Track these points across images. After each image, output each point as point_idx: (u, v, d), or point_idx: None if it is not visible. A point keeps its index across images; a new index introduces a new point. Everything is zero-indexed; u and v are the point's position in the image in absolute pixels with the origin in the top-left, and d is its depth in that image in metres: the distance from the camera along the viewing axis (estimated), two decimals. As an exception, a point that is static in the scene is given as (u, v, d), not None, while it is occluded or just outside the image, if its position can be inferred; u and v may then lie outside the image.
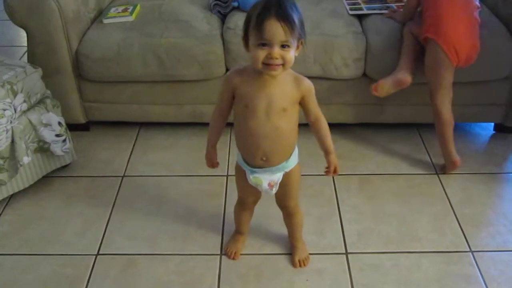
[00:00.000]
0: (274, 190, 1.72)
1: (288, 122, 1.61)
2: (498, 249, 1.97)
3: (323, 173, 1.77)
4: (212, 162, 1.80)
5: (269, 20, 1.39)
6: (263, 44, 1.42)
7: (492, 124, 2.65)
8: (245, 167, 1.69)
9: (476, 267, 1.89)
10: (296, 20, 1.43)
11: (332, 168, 1.72)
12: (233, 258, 1.92)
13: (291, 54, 1.45)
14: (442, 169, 2.35)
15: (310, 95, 1.61)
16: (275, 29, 1.39)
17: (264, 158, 1.64)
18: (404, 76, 2.22)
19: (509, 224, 2.08)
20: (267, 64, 1.44)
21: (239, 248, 1.94)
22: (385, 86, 2.23)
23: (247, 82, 1.56)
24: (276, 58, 1.43)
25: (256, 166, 1.66)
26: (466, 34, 2.15)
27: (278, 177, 1.70)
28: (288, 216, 1.88)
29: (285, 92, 1.56)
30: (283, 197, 1.80)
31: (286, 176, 1.71)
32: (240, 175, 1.76)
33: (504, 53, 2.31)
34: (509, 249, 1.97)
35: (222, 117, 1.70)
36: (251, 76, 1.54)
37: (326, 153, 1.71)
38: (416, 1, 2.30)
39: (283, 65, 1.45)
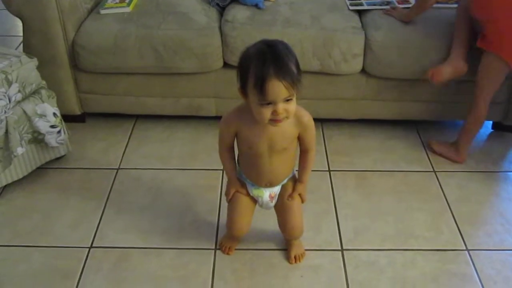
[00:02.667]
0: (274, 201, 1.77)
1: (289, 154, 1.66)
2: (494, 248, 1.96)
3: (320, 170, 1.77)
4: (242, 189, 1.77)
5: (270, 81, 1.35)
6: (267, 103, 1.40)
7: (491, 122, 2.63)
8: (247, 182, 1.74)
9: (472, 265, 1.88)
10: (295, 70, 1.40)
11: (295, 194, 1.75)
12: (227, 253, 1.91)
13: (294, 103, 1.44)
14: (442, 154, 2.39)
15: (308, 130, 1.62)
16: (278, 90, 1.37)
17: (268, 184, 1.72)
18: (461, 64, 2.20)
19: (506, 223, 2.06)
20: (272, 120, 1.44)
21: (233, 244, 1.93)
22: (444, 73, 2.21)
23: (247, 126, 1.56)
24: (281, 114, 1.41)
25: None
26: None
27: (278, 188, 1.76)
28: (292, 241, 1.90)
29: (285, 133, 1.57)
30: (286, 215, 1.81)
31: (284, 187, 1.77)
32: (238, 195, 1.78)
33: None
34: (506, 248, 1.96)
35: (229, 151, 1.72)
36: (251, 119, 1.51)
37: (299, 181, 1.75)
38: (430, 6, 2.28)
39: (286, 116, 1.45)
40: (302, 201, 1.79)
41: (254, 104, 1.43)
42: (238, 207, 1.79)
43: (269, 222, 2.01)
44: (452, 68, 2.20)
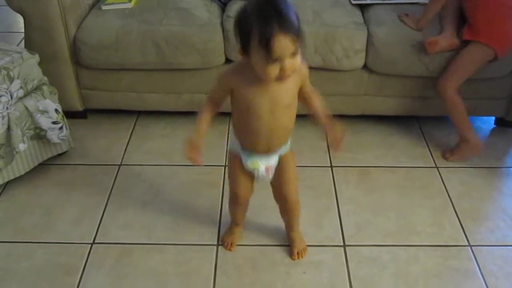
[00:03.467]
0: (271, 175, 1.71)
1: (291, 115, 1.59)
2: (497, 244, 1.96)
3: (322, 165, 1.75)
4: (197, 152, 1.62)
5: (276, 36, 1.29)
6: (274, 60, 1.34)
7: (493, 118, 2.62)
8: (243, 153, 1.66)
9: (474, 261, 1.88)
10: (298, 22, 1.35)
11: (336, 135, 1.63)
12: (229, 249, 1.91)
13: (299, 57, 1.38)
14: (455, 153, 2.36)
15: (307, 77, 1.57)
16: (285, 45, 1.31)
17: (266, 149, 1.62)
18: (454, 38, 2.23)
19: (508, 219, 2.06)
20: (279, 77, 1.38)
21: (235, 239, 1.93)
22: (439, 45, 2.22)
23: (247, 84, 1.48)
24: (289, 69, 1.36)
25: (256, 154, 1.64)
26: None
27: (275, 160, 1.68)
28: (288, 211, 1.84)
29: (288, 89, 1.50)
30: (283, 186, 1.75)
31: (283, 159, 1.69)
32: (234, 163, 1.71)
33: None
34: (508, 244, 1.96)
35: (213, 110, 1.63)
36: (253, 77, 1.44)
37: (326, 123, 1.64)
38: (439, 8, 2.27)
39: (293, 71, 1.39)
40: (340, 139, 1.64)
41: (259, 63, 1.36)
42: (238, 180, 1.73)
43: (272, 217, 2.01)
44: (447, 42, 2.23)
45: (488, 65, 2.25)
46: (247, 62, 1.43)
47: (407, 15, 2.38)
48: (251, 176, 1.72)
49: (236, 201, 1.83)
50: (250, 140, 1.61)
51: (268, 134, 1.58)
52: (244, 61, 1.43)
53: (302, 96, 1.61)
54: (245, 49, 1.39)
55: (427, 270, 1.85)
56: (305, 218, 2.01)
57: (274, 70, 1.35)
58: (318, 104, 1.64)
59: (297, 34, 1.33)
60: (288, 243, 1.93)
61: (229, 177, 1.79)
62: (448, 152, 2.37)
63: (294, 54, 1.35)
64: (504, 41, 2.19)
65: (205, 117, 1.63)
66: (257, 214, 2.05)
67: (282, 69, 1.35)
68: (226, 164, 2.31)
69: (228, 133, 2.51)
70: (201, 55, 2.33)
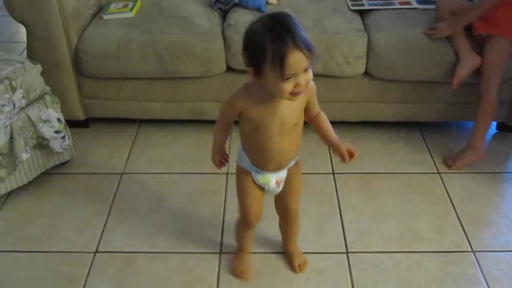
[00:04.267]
0: (281, 187, 1.70)
1: (299, 131, 1.59)
2: (500, 249, 1.95)
3: (324, 172, 1.75)
4: (220, 160, 1.71)
5: (291, 54, 1.30)
6: (288, 77, 1.34)
7: (495, 123, 2.62)
8: (253, 170, 1.64)
9: (478, 267, 1.88)
10: (308, 38, 1.35)
11: (345, 153, 1.62)
12: (243, 278, 1.85)
13: (311, 72, 1.38)
14: (457, 160, 2.35)
15: (314, 95, 1.56)
16: (299, 61, 1.31)
17: (277, 166, 1.63)
18: (475, 58, 2.23)
19: (511, 224, 2.06)
20: (293, 93, 1.38)
21: (248, 267, 1.87)
22: (464, 75, 2.24)
23: (256, 105, 1.47)
24: (303, 85, 1.36)
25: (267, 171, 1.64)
26: None
27: (284, 173, 1.68)
28: (288, 221, 1.83)
29: (293, 106, 1.50)
30: (287, 196, 1.73)
31: (290, 171, 1.69)
32: (246, 179, 1.67)
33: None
34: (511, 249, 1.95)
35: (226, 131, 1.65)
36: (261, 98, 1.45)
37: (334, 142, 1.64)
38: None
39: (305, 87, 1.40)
40: (353, 155, 1.63)
41: (274, 81, 1.35)
42: (250, 195, 1.69)
43: (274, 225, 2.01)
44: (469, 67, 2.23)
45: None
46: (254, 83, 1.43)
47: (434, 28, 2.30)
48: (262, 190, 1.70)
49: (248, 224, 1.77)
50: (261, 159, 1.61)
51: (278, 153, 1.58)
52: (252, 81, 1.43)
53: (309, 115, 1.61)
54: (257, 69, 1.37)
55: (430, 276, 1.84)
56: (307, 225, 2.02)
57: (289, 86, 1.35)
58: (328, 126, 1.64)
59: (310, 48, 1.33)
60: (287, 257, 1.92)
61: (239, 198, 1.72)
62: (450, 160, 2.36)
63: (307, 69, 1.36)
64: None
65: (221, 135, 1.66)
66: (260, 222, 2.05)
67: (297, 85, 1.35)
68: (228, 172, 2.32)
69: (230, 141, 2.51)
70: (202, 63, 2.34)
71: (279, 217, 1.85)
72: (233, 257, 1.90)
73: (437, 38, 2.28)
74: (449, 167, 2.35)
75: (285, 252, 1.93)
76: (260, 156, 1.60)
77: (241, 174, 1.68)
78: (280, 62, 1.30)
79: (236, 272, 1.86)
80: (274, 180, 1.66)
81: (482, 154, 2.33)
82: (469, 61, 2.23)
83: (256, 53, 1.35)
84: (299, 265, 1.88)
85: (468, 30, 2.30)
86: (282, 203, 1.77)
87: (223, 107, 1.59)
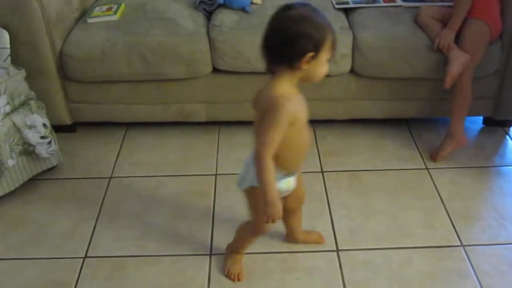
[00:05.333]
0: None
1: None
2: (489, 243, 1.96)
3: (313, 171, 1.74)
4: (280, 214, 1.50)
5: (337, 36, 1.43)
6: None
7: (481, 117, 2.64)
8: (279, 178, 1.58)
9: (468, 261, 1.89)
10: None
11: None
12: (238, 280, 1.83)
13: None
14: (442, 149, 2.35)
15: None
16: None
17: (303, 162, 1.64)
18: (464, 55, 2.22)
19: (499, 217, 2.07)
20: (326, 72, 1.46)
21: (242, 268, 1.86)
22: (456, 75, 2.23)
23: (298, 104, 1.46)
24: None
25: (294, 172, 1.62)
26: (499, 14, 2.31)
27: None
28: (298, 209, 1.84)
29: None
30: (298, 186, 1.71)
31: None
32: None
33: (493, 49, 2.30)
34: (501, 242, 1.96)
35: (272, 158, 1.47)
36: (295, 95, 1.46)
37: None
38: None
39: None
40: None
41: (321, 65, 1.42)
42: None
43: (264, 225, 2.01)
44: (460, 64, 2.22)
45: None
46: (282, 83, 1.43)
47: (439, 35, 2.29)
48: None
49: (264, 233, 1.75)
50: (297, 160, 1.59)
51: (309, 145, 1.60)
52: (276, 85, 1.44)
53: None
54: (315, 54, 1.38)
55: (421, 271, 1.85)
56: (297, 224, 2.02)
57: (327, 66, 1.44)
58: None
59: None
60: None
61: (259, 214, 1.56)
62: (434, 153, 2.38)
63: None
64: (497, 22, 2.27)
65: (273, 177, 1.47)
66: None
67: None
68: (217, 173, 2.31)
69: (218, 142, 2.51)
70: (188, 65, 2.33)
71: (286, 212, 1.78)
72: (229, 259, 1.87)
73: (447, 46, 2.25)
74: (434, 160, 2.36)
75: (295, 241, 1.95)
76: (297, 158, 1.59)
77: (255, 194, 1.58)
78: (333, 44, 1.40)
79: (230, 275, 1.84)
80: (293, 180, 1.64)
81: (463, 141, 2.34)
82: (459, 58, 2.22)
83: (319, 39, 1.37)
84: (320, 237, 1.93)
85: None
86: (295, 193, 1.72)
87: (274, 126, 1.41)
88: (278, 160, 1.49)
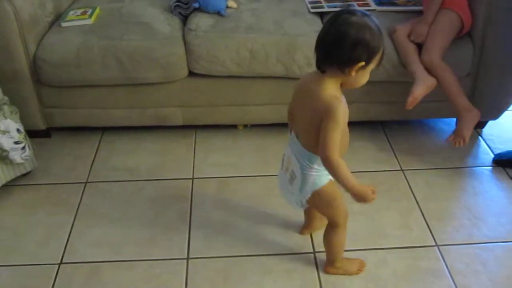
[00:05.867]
0: None
1: None
2: (463, 243, 1.99)
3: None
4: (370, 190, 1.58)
5: None
6: None
7: (455, 119, 2.67)
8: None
9: (442, 261, 1.91)
10: None
11: None
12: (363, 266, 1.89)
13: None
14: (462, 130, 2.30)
15: None
16: None
17: None
18: (431, 79, 2.25)
19: (473, 217, 2.10)
20: None
21: (354, 260, 1.89)
22: (420, 97, 2.26)
23: (345, 104, 1.52)
24: None
25: None
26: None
27: None
28: None
29: None
30: None
31: None
32: (335, 189, 1.68)
33: (465, 52, 2.34)
34: (474, 242, 2.00)
35: None
36: (341, 96, 1.52)
37: None
38: None
39: None
40: None
41: (367, 72, 1.48)
42: (341, 197, 1.71)
43: (241, 228, 2.02)
44: (425, 87, 2.25)
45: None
46: (333, 88, 1.49)
47: (414, 34, 2.34)
48: None
49: (347, 215, 1.77)
50: (342, 154, 1.62)
51: (348, 140, 1.67)
52: (335, 83, 1.49)
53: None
54: (367, 63, 1.44)
55: (396, 272, 1.87)
56: (274, 227, 2.03)
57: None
58: None
59: None
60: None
61: (338, 209, 1.71)
62: (452, 135, 2.33)
63: None
64: (467, 14, 2.31)
65: (345, 167, 1.54)
66: (227, 224, 2.05)
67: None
68: (194, 177, 2.31)
69: (194, 146, 2.51)
70: (164, 68, 2.33)
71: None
72: (340, 269, 1.85)
73: (422, 40, 2.30)
74: (455, 143, 2.31)
75: (312, 229, 2.01)
76: (342, 152, 1.62)
77: (331, 187, 1.67)
78: (382, 57, 1.47)
79: (358, 271, 1.87)
80: None
81: (476, 110, 2.29)
82: (425, 81, 2.24)
83: (374, 51, 1.43)
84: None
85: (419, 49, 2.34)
86: None
87: (335, 127, 1.48)
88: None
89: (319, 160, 1.56)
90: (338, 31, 1.41)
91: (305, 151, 1.59)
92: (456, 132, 2.31)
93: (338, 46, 1.41)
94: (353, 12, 1.43)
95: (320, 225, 1.98)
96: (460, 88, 2.29)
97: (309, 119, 1.54)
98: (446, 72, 2.27)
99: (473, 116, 2.30)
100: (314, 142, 1.53)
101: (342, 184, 1.54)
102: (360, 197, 1.55)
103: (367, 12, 1.47)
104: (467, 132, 2.29)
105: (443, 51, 2.28)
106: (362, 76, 1.48)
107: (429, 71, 2.27)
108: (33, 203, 2.19)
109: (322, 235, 1.99)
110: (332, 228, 1.77)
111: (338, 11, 1.46)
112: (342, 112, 1.47)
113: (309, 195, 1.66)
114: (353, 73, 1.45)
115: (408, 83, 2.37)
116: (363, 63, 1.43)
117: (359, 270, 1.87)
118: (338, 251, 1.83)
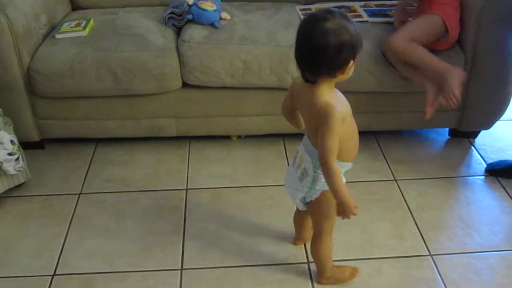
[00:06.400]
0: None
1: None
2: (456, 252, 2.00)
3: (280, 184, 1.75)
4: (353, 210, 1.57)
5: None
6: None
7: (447, 129, 2.70)
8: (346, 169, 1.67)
9: (436, 270, 1.91)
10: None
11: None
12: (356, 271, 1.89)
13: None
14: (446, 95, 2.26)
15: None
16: None
17: None
18: (459, 70, 2.24)
19: (466, 227, 2.11)
20: None
21: (345, 267, 1.90)
22: (434, 109, 2.28)
23: (339, 103, 1.52)
24: None
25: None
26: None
27: None
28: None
29: None
30: None
31: None
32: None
33: (456, 62, 2.36)
34: (467, 251, 2.00)
35: None
36: (335, 94, 1.54)
37: None
38: None
39: None
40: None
41: (352, 66, 1.46)
42: None
43: (235, 238, 2.02)
44: (436, 101, 2.26)
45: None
46: (328, 90, 1.50)
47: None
48: None
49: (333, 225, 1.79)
50: (356, 146, 1.66)
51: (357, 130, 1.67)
52: (324, 93, 1.49)
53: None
54: (354, 60, 1.45)
55: (390, 282, 1.87)
56: (268, 238, 2.03)
57: None
58: None
59: None
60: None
61: (332, 215, 1.67)
62: (429, 105, 2.31)
63: None
64: (454, 25, 2.32)
65: (339, 175, 1.54)
66: (221, 235, 2.05)
67: None
68: (188, 188, 2.31)
69: (188, 157, 2.51)
70: (157, 80, 2.33)
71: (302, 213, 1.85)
72: (331, 279, 1.86)
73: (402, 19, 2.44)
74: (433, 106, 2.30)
75: (304, 241, 2.01)
76: (356, 145, 1.66)
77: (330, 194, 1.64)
78: (361, 46, 1.45)
79: (348, 278, 1.87)
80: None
81: (455, 68, 2.25)
82: (433, 92, 2.26)
83: (357, 46, 1.43)
84: None
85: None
86: None
87: (332, 131, 1.47)
88: (345, 154, 1.60)
89: None
90: (319, 44, 1.39)
91: (315, 150, 1.58)
92: (447, 92, 2.23)
93: (325, 58, 1.41)
94: (323, 18, 1.40)
95: (311, 235, 1.99)
96: (432, 55, 2.27)
97: (311, 121, 1.57)
98: (413, 49, 2.25)
99: (458, 73, 2.25)
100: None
101: (334, 192, 1.53)
102: (345, 209, 1.54)
103: (333, 9, 1.45)
104: (456, 89, 2.23)
105: (410, 41, 2.25)
106: (350, 70, 1.47)
107: (395, 54, 2.27)
108: (26, 215, 2.19)
109: (316, 245, 2.01)
110: (317, 237, 1.77)
111: (306, 19, 1.45)
112: (337, 117, 1.46)
113: (317, 194, 1.66)
114: (344, 73, 1.46)
115: (401, 94, 2.40)
116: (351, 62, 1.44)
117: (351, 276, 1.87)
118: (326, 261, 1.83)
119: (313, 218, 1.79)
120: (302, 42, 1.44)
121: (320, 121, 1.47)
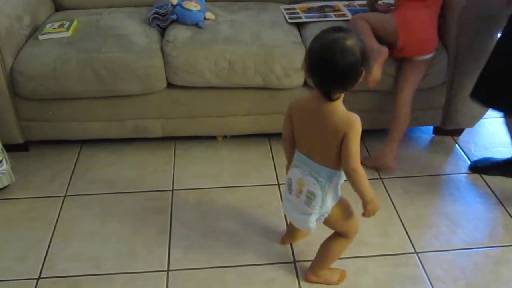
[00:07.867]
0: None
1: None
2: (441, 249, 2.01)
3: (269, 184, 1.76)
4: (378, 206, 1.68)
5: None
6: None
7: (432, 127, 2.72)
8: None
9: (421, 267, 1.93)
10: None
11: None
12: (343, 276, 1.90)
13: None
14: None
15: None
16: None
17: None
18: (382, 49, 2.24)
19: (451, 224, 2.13)
20: None
21: (337, 270, 1.91)
22: (377, 71, 2.25)
23: None
24: None
25: None
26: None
27: None
28: None
29: None
30: None
31: None
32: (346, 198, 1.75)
33: (439, 61, 2.38)
34: (452, 248, 2.02)
35: None
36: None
37: None
38: None
39: None
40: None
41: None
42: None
43: (221, 238, 2.02)
44: (380, 61, 2.24)
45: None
46: (341, 99, 1.55)
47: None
48: None
49: (357, 231, 1.82)
50: None
51: None
52: (341, 101, 1.55)
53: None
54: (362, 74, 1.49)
55: (376, 280, 1.88)
56: (255, 237, 2.03)
57: None
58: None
59: None
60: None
61: (351, 218, 1.76)
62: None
63: None
64: (409, 33, 2.27)
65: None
66: (207, 236, 2.05)
67: None
68: (173, 188, 2.31)
69: (174, 158, 2.50)
70: (142, 81, 2.32)
71: None
72: (322, 277, 1.87)
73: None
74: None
75: (294, 239, 2.02)
76: None
77: (344, 199, 1.74)
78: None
79: (338, 281, 1.88)
80: None
81: (381, 48, 2.27)
82: (378, 52, 2.25)
83: (367, 55, 1.51)
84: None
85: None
86: None
87: (358, 143, 1.56)
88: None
89: (338, 175, 1.62)
90: (347, 64, 1.43)
91: (324, 168, 1.61)
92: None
93: (352, 74, 1.47)
94: (340, 38, 1.44)
95: (303, 235, 1.99)
96: (371, 34, 2.30)
97: (324, 138, 1.58)
98: (359, 23, 2.33)
99: (380, 52, 2.25)
100: (334, 159, 1.59)
101: (362, 195, 1.61)
102: (374, 207, 1.64)
103: (339, 26, 1.51)
104: (374, 69, 2.25)
105: (362, 19, 2.35)
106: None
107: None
108: (10, 218, 2.17)
109: (302, 245, 2.01)
110: (340, 237, 1.79)
111: (320, 42, 1.47)
112: (360, 125, 1.54)
113: (330, 211, 1.69)
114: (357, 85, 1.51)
115: (383, 93, 2.41)
116: (363, 72, 1.48)
117: (339, 281, 1.88)
118: (331, 261, 1.85)
119: (336, 228, 1.79)
120: (327, 67, 1.46)
121: (347, 129, 1.53)
